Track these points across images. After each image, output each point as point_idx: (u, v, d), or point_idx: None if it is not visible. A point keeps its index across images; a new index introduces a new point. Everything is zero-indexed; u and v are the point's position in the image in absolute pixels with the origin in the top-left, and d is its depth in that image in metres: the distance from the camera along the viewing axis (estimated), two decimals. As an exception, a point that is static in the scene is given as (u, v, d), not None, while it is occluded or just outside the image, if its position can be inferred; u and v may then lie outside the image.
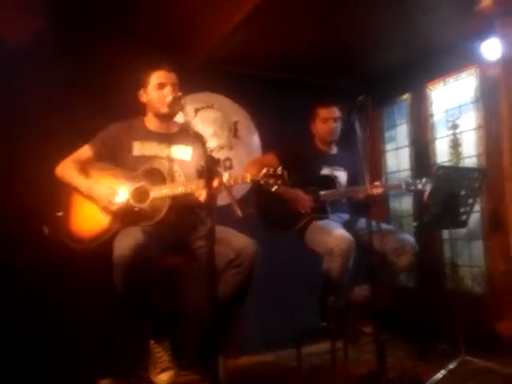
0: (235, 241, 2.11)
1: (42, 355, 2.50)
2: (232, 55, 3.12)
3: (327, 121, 2.89)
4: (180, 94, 2.20)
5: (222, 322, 2.04)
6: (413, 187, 2.68)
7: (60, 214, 2.18)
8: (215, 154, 3.36)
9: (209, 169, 1.76)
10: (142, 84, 2.35)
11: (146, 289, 2.03)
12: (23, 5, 2.49)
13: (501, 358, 2.43)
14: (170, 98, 2.23)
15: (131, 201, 2.14)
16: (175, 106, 2.24)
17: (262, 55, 3.20)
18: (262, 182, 1.99)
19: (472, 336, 2.41)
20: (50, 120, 2.65)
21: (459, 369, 2.33)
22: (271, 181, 1.98)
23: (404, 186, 2.72)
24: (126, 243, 1.94)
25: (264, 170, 1.99)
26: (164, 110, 2.29)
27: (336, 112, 2.89)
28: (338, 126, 2.91)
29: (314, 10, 2.67)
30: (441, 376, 2.26)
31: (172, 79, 2.31)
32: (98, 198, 2.15)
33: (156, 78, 2.30)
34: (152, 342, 2.14)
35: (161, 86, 2.29)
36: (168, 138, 2.35)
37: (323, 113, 2.90)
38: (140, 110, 2.43)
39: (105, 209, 2.15)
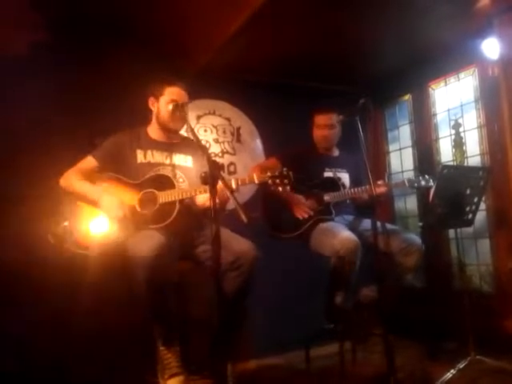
0: (235, 244, 2.15)
1: (49, 363, 2.51)
2: (233, 62, 3.13)
3: (322, 127, 2.91)
4: (183, 102, 2.26)
5: (227, 325, 2.06)
6: (416, 184, 2.68)
7: (66, 223, 2.20)
8: (219, 159, 3.38)
9: (212, 174, 1.77)
10: (154, 93, 2.37)
11: (165, 291, 2.05)
12: (23, 18, 2.52)
13: (511, 356, 2.41)
14: (170, 107, 2.29)
15: (139, 208, 2.19)
16: (179, 119, 2.32)
17: (263, 61, 3.21)
18: (269, 181, 2.06)
19: (481, 335, 2.39)
20: (52, 131, 2.66)
21: (469, 368, 2.32)
22: (278, 181, 2.06)
23: (407, 184, 2.71)
24: (148, 244, 1.97)
25: (270, 172, 2.07)
26: (170, 125, 2.37)
27: (331, 119, 2.88)
28: (334, 132, 2.91)
29: (312, 14, 2.68)
30: (450, 376, 2.25)
31: (184, 98, 2.37)
32: (106, 207, 2.17)
33: (169, 93, 2.33)
34: (162, 348, 2.15)
35: (172, 102, 2.31)
36: (170, 148, 2.41)
37: (318, 119, 2.93)
38: (142, 120, 2.46)
39: (112, 219, 2.17)
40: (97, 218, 2.19)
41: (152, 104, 2.41)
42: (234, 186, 2.10)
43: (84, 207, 2.24)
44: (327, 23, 2.79)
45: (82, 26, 2.74)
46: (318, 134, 2.93)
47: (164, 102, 2.34)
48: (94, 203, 2.20)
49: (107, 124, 2.62)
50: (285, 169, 2.07)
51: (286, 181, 2.06)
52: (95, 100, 2.82)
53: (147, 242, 1.99)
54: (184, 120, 2.31)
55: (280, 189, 2.07)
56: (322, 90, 3.64)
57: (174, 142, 2.44)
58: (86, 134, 2.65)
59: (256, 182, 2.13)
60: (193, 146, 2.44)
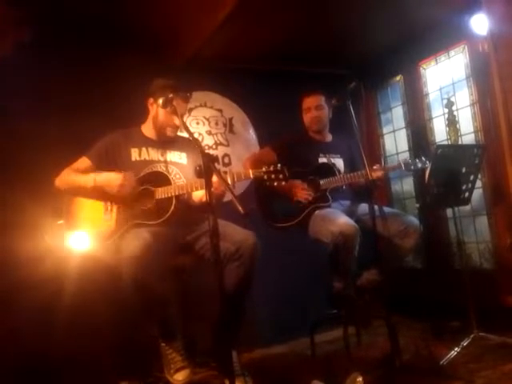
0: (235, 234, 2.15)
1: (55, 360, 2.51)
2: (220, 51, 3.11)
3: (309, 110, 2.89)
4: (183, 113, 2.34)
5: (231, 315, 2.06)
6: (412, 167, 2.69)
7: (61, 221, 2.20)
8: (212, 151, 3.37)
9: (207, 167, 1.76)
10: (154, 95, 2.32)
11: (156, 289, 2.04)
12: (8, 18, 2.48)
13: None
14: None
15: (135, 204, 2.20)
16: (176, 128, 2.38)
17: (251, 49, 3.18)
18: (265, 177, 2.08)
19: (483, 312, 2.41)
20: (49, 131, 2.65)
21: (473, 345, 2.33)
22: (273, 176, 2.08)
23: (403, 167, 2.72)
24: (135, 243, 1.98)
25: (265, 167, 2.10)
26: (169, 133, 2.38)
27: (317, 100, 2.86)
28: (322, 114, 2.88)
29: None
30: (455, 354, 2.27)
31: (184, 109, 2.41)
32: (106, 184, 2.18)
33: (174, 103, 2.23)
34: (162, 344, 2.16)
35: (174, 111, 2.27)
36: (164, 145, 2.42)
37: (306, 102, 2.91)
38: (132, 115, 2.44)
39: (116, 194, 2.17)
40: (76, 233, 2.19)
41: (151, 105, 2.39)
42: (229, 181, 2.11)
43: (82, 204, 2.25)
44: (315, 6, 2.76)
45: (68, 22, 2.71)
46: (307, 117, 2.91)
47: (164, 110, 2.31)
48: (92, 190, 2.20)
49: (96, 121, 2.60)
50: (279, 164, 2.09)
51: (280, 176, 2.08)
52: (83, 95, 2.80)
53: (134, 242, 2.00)
54: (178, 128, 2.35)
55: (275, 184, 2.09)
56: (313, 74, 3.61)
57: (168, 140, 2.43)
58: (77, 132, 2.63)
59: (251, 177, 2.14)
60: (187, 143, 2.45)
